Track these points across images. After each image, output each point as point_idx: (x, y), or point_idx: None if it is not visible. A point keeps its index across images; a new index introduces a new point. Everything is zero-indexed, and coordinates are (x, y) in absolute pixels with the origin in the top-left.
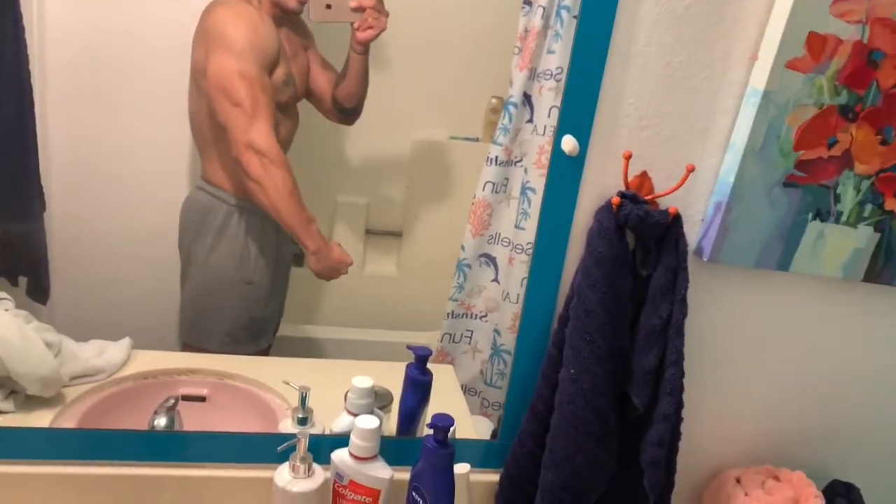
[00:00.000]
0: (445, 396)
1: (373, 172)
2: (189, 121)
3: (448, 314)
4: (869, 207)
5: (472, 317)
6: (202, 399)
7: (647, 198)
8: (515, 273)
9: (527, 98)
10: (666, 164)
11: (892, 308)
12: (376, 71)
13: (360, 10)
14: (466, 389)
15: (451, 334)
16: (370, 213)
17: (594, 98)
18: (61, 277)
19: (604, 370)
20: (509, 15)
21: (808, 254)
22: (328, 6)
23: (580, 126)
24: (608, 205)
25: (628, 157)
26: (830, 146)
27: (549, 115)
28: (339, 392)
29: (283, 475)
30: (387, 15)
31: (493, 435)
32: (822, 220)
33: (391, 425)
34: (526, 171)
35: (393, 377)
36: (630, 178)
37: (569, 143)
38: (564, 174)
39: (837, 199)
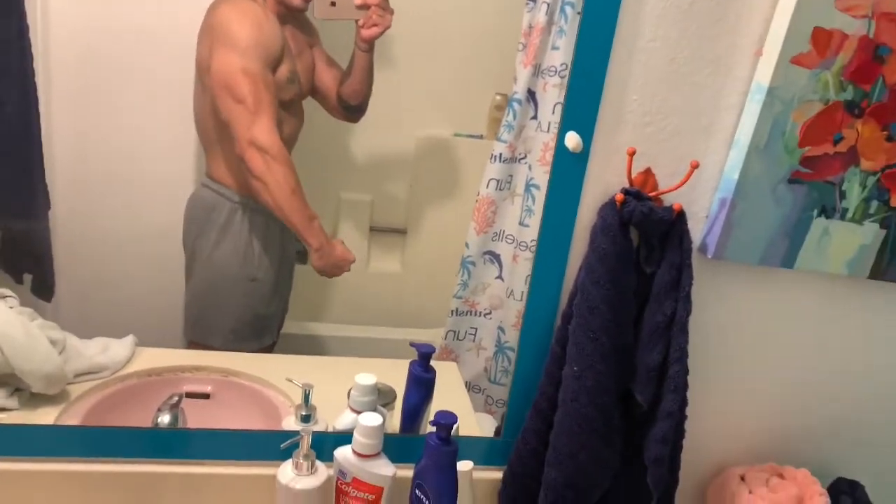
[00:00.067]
0: (449, 394)
1: (377, 169)
2: (194, 118)
3: (452, 311)
4: (875, 204)
5: (476, 314)
6: (206, 396)
7: (650, 194)
8: (519, 270)
9: (531, 95)
10: (670, 161)
11: None
12: (380, 68)
13: (364, 7)
14: (470, 387)
15: (455, 331)
16: (374, 210)
17: (598, 94)
18: (66, 275)
19: (607, 367)
20: (513, 11)
21: (813, 251)
22: (333, 3)
23: (584, 122)
24: (612, 201)
25: (632, 154)
26: (836, 142)
27: (553, 112)
28: (342, 389)
29: (286, 472)
30: (391, 12)
31: (497, 432)
32: (828, 217)
33: (394, 422)
34: (530, 167)
35: (396, 374)
36: (634, 175)
37: (572, 140)
38: (568, 171)
39: (843, 195)
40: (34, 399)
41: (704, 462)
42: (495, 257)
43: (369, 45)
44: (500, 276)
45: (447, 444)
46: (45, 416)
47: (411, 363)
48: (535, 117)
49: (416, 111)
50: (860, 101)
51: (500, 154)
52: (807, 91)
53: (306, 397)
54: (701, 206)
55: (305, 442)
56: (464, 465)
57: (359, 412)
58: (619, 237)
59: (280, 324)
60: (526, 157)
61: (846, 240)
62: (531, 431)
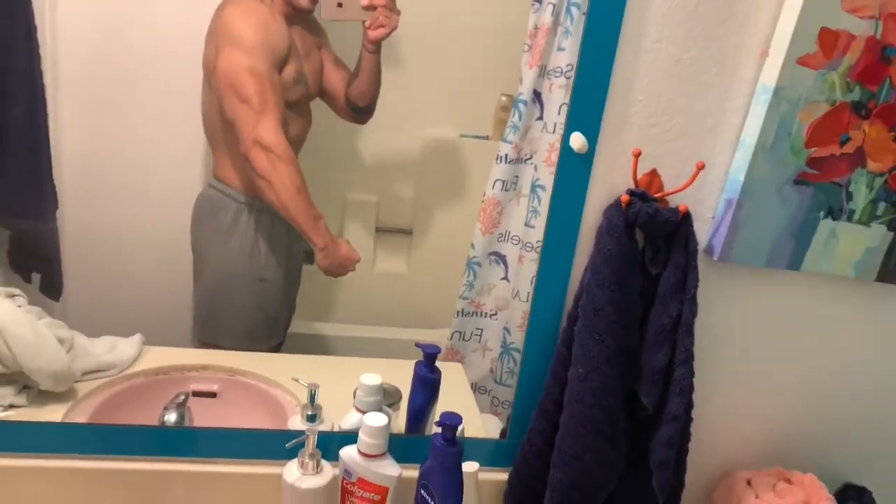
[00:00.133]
0: (454, 394)
1: (383, 170)
2: (202, 118)
3: (458, 312)
4: (882, 206)
5: (482, 315)
6: (213, 395)
7: (656, 195)
8: (525, 271)
9: (537, 96)
10: (676, 162)
11: None
12: (387, 69)
13: (371, 8)
14: (476, 388)
15: (460, 332)
16: (380, 210)
17: (603, 95)
18: (74, 274)
19: (613, 369)
20: (519, 12)
21: (819, 252)
22: (339, 4)
23: (589, 123)
24: (617, 202)
25: (637, 155)
26: (843, 143)
27: (559, 113)
28: (348, 389)
29: (291, 472)
30: (398, 13)
31: (502, 433)
32: (835, 219)
33: (400, 423)
34: (536, 168)
35: (402, 375)
36: (639, 176)
37: (577, 141)
38: (573, 172)
39: (850, 196)
40: (42, 396)
41: (710, 465)
42: (501, 258)
43: (376, 47)
44: (505, 277)
45: (453, 444)
46: (53, 414)
47: (417, 364)
48: (540, 118)
49: (423, 112)
50: (867, 101)
51: (506, 155)
52: (813, 92)
53: (312, 397)
54: (707, 208)
55: (311, 441)
56: (469, 467)
57: (364, 412)
58: (624, 238)
59: (287, 323)
60: (532, 157)
61: (853, 241)
62: (537, 433)
